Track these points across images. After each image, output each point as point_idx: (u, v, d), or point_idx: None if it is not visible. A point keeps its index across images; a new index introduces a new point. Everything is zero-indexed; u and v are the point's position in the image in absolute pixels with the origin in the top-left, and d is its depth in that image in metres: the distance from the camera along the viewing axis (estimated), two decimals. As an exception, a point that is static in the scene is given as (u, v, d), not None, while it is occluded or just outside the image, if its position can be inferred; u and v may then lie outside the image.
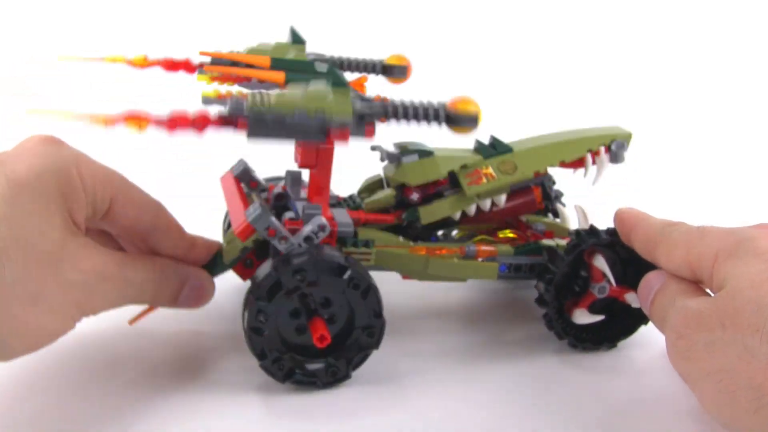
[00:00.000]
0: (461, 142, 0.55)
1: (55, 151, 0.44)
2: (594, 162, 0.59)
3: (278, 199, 0.55)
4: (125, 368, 0.51)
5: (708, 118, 1.22)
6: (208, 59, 0.55)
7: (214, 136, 0.46)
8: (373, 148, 0.57)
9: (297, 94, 0.46)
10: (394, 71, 0.62)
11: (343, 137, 0.47)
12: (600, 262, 0.53)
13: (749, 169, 1.05)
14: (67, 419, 0.46)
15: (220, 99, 0.53)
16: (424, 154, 0.55)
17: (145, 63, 0.54)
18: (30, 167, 0.43)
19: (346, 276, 0.47)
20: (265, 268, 0.47)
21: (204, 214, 0.69)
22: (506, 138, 0.58)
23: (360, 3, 1.36)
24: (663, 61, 1.36)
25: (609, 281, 0.54)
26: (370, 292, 0.48)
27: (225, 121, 0.45)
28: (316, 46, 0.61)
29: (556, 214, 0.64)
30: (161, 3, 1.31)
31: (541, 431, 0.47)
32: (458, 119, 0.48)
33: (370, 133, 0.48)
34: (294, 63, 0.53)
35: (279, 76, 0.51)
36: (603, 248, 0.54)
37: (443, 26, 1.37)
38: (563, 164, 0.58)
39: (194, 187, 0.76)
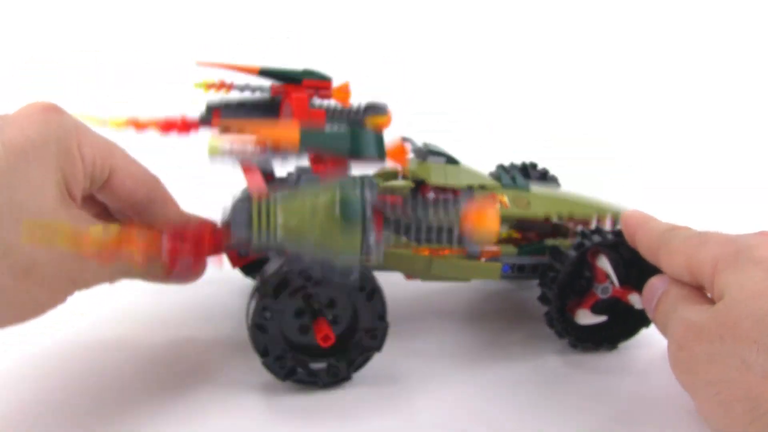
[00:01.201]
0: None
1: (55, 120, 0.43)
2: None
3: None
4: (127, 367, 0.52)
5: (713, 120, 1.22)
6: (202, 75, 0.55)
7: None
8: (404, 140, 0.58)
9: (306, 220, 0.43)
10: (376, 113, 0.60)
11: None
12: (603, 263, 0.53)
13: (756, 171, 1.05)
14: (67, 419, 0.46)
15: (228, 152, 0.51)
16: (451, 160, 0.57)
17: (140, 125, 0.54)
18: (28, 136, 0.41)
19: (352, 277, 0.46)
20: (273, 266, 0.47)
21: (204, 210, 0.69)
22: (505, 147, 0.59)
23: (360, 5, 1.36)
24: (669, 65, 1.36)
25: (612, 282, 0.54)
26: (375, 294, 0.48)
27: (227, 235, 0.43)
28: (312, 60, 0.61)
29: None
30: (161, 7, 1.31)
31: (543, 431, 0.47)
32: (471, 239, 0.46)
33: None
34: (282, 71, 0.54)
35: (293, 133, 0.46)
36: (607, 249, 0.54)
37: (445, 32, 1.37)
38: (570, 218, 0.59)
39: (193, 191, 0.75)
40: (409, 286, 0.59)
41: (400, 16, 1.35)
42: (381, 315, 0.49)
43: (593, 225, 0.59)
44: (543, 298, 0.55)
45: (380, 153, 0.45)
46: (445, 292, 0.65)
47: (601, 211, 0.60)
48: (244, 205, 0.43)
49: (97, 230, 0.41)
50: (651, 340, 0.57)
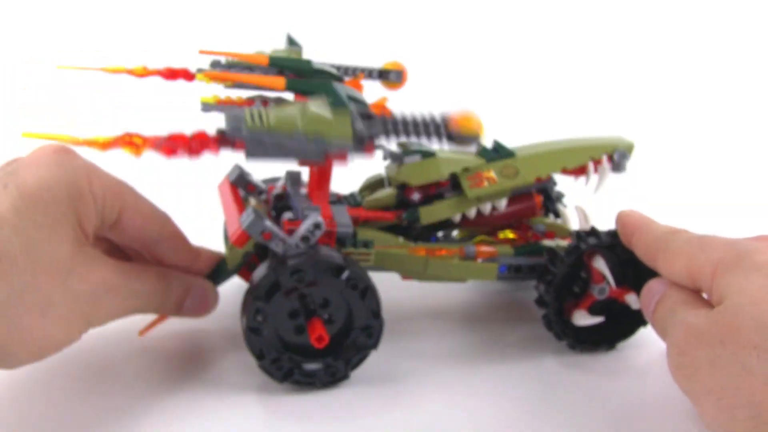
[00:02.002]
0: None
1: (67, 162, 0.45)
2: (596, 170, 0.59)
3: (278, 200, 0.55)
4: (124, 368, 0.52)
5: (712, 121, 1.22)
6: (206, 63, 0.54)
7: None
8: (378, 147, 0.57)
9: (296, 115, 0.46)
10: (390, 76, 0.62)
11: (342, 158, 0.47)
12: (600, 264, 0.53)
13: (754, 173, 1.05)
14: (65, 419, 0.46)
15: (219, 105, 0.53)
16: (427, 154, 0.55)
17: (144, 72, 0.54)
18: (41, 179, 0.43)
19: (344, 276, 0.46)
20: (262, 269, 0.47)
21: (204, 222, 0.69)
22: (508, 142, 0.58)
23: (360, 6, 1.36)
24: (667, 66, 1.36)
25: (609, 283, 0.54)
26: (368, 292, 0.48)
27: (223, 141, 0.45)
28: (313, 51, 0.61)
29: (557, 215, 0.64)
30: (162, 4, 1.32)
31: (541, 432, 0.47)
32: (459, 137, 0.48)
33: (369, 150, 0.48)
34: (291, 61, 0.53)
35: (278, 81, 0.51)
36: (603, 250, 0.54)
37: (445, 29, 1.37)
38: (565, 171, 0.58)
39: (194, 195, 0.76)
40: (407, 287, 0.59)
41: (400, 16, 1.35)
42: (375, 312, 0.48)
43: (591, 172, 0.59)
44: (540, 301, 0.55)
45: (360, 101, 0.48)
46: (445, 293, 0.64)
47: (594, 154, 0.58)
48: (238, 113, 0.45)
49: None
50: (649, 340, 0.56)
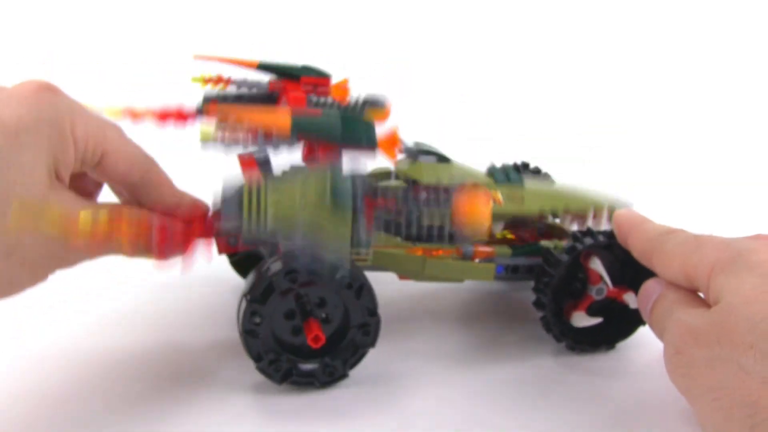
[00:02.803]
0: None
1: (49, 101, 0.43)
2: (593, 223, 0.60)
3: None
4: (121, 367, 0.51)
5: (710, 119, 1.22)
6: (200, 68, 0.54)
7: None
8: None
9: (296, 204, 0.43)
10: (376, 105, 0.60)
11: None
12: (596, 265, 0.53)
13: (751, 172, 1.05)
14: (61, 421, 0.46)
15: (219, 141, 0.51)
16: (442, 159, 0.56)
17: (137, 115, 0.53)
18: (20, 118, 0.41)
19: (338, 275, 0.46)
20: (258, 270, 0.47)
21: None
22: (507, 141, 0.58)
23: (358, 6, 1.36)
24: (664, 64, 1.36)
25: (606, 283, 0.53)
26: (363, 290, 0.47)
27: (217, 225, 0.44)
28: (309, 51, 0.61)
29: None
30: (159, 7, 1.32)
31: (538, 432, 0.47)
32: (464, 237, 0.47)
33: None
34: (282, 68, 0.53)
35: (285, 119, 0.47)
36: (600, 250, 0.54)
37: (444, 29, 1.37)
38: (566, 213, 0.59)
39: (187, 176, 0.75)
40: (406, 287, 0.59)
41: (399, 15, 1.35)
42: (372, 310, 0.48)
43: (589, 221, 0.58)
44: (538, 303, 0.54)
45: (371, 141, 0.45)
46: (442, 293, 0.64)
47: (597, 205, 0.59)
48: (235, 193, 0.43)
49: (86, 217, 0.41)
50: (647, 340, 0.56)
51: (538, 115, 1.15)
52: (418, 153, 0.55)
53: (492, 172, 0.57)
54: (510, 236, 0.60)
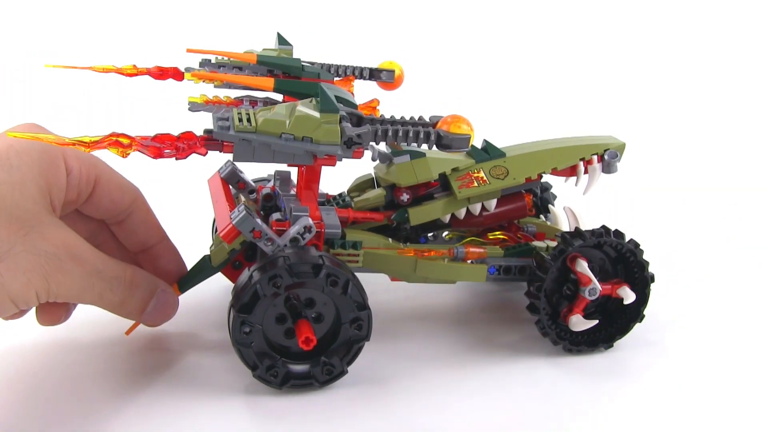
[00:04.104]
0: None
1: (41, 132, 0.44)
2: (586, 171, 0.58)
3: (267, 200, 0.55)
4: (115, 371, 0.51)
5: (702, 121, 1.23)
6: (195, 62, 0.55)
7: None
8: (367, 148, 0.57)
9: (284, 117, 0.46)
10: (382, 75, 0.62)
11: (330, 162, 0.48)
12: (582, 267, 0.53)
13: (744, 172, 1.05)
14: (54, 421, 0.46)
15: (207, 104, 0.53)
16: (416, 155, 0.55)
17: (133, 71, 0.55)
18: (11, 144, 0.43)
19: (322, 274, 0.46)
20: (242, 279, 0.47)
21: (192, 217, 0.69)
22: (500, 142, 0.58)
23: (357, 6, 1.37)
24: (658, 66, 1.36)
25: (594, 285, 0.53)
26: (349, 286, 0.47)
27: (210, 142, 0.45)
28: (306, 49, 0.61)
29: (547, 211, 0.64)
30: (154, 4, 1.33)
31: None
32: (450, 142, 0.48)
33: (358, 155, 0.48)
34: (280, 61, 0.53)
35: (268, 82, 0.51)
36: (590, 249, 0.54)
37: (440, 30, 1.37)
38: (555, 172, 0.58)
39: (182, 190, 0.76)
40: (401, 289, 0.59)
41: (398, 15, 1.36)
42: (361, 305, 0.48)
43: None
44: (532, 308, 0.54)
45: (349, 102, 0.49)
46: (436, 294, 0.64)
47: (584, 153, 0.58)
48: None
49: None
50: (645, 340, 0.56)
51: (537, 114, 1.15)
52: (391, 156, 0.55)
53: (471, 152, 0.56)
54: (502, 237, 0.60)
